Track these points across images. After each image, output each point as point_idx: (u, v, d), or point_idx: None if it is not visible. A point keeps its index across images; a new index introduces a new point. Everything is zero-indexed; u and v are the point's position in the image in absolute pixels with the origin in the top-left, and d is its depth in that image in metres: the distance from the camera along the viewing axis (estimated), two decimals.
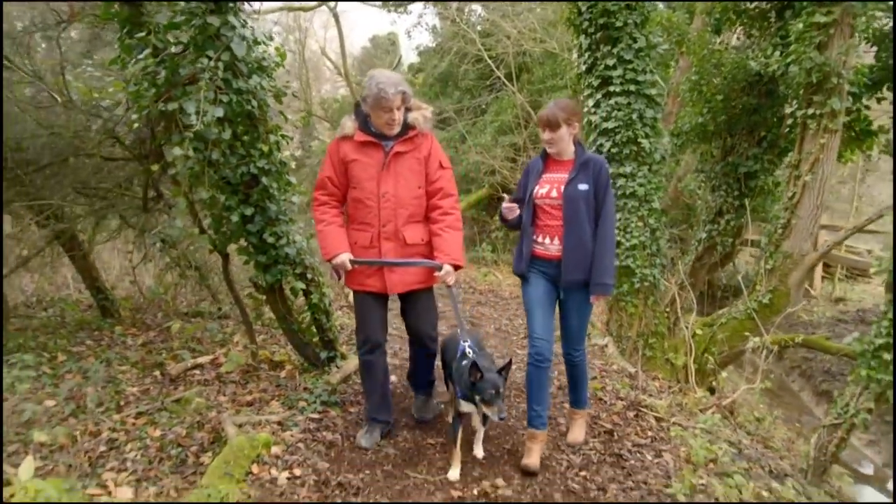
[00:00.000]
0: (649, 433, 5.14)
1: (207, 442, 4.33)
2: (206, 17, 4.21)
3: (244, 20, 4.52)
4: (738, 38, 9.53)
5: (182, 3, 4.28)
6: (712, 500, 4.09)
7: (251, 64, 4.55)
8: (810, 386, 11.36)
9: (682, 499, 4.01)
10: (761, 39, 8.19)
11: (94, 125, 5.08)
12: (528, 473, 4.20)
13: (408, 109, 4.16)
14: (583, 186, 4.11)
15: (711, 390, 6.80)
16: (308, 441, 4.42)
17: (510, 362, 3.99)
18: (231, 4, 4.38)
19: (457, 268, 4.19)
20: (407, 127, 4.14)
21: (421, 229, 4.25)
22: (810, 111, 6.67)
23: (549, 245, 4.25)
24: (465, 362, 4.03)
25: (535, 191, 4.28)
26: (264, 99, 4.72)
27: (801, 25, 6.55)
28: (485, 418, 4.16)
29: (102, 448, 4.17)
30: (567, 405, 5.00)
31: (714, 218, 9.23)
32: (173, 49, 4.29)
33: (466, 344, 4.17)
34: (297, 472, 4.00)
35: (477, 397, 3.88)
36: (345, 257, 4.13)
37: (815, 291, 14.86)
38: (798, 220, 6.91)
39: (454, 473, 4.06)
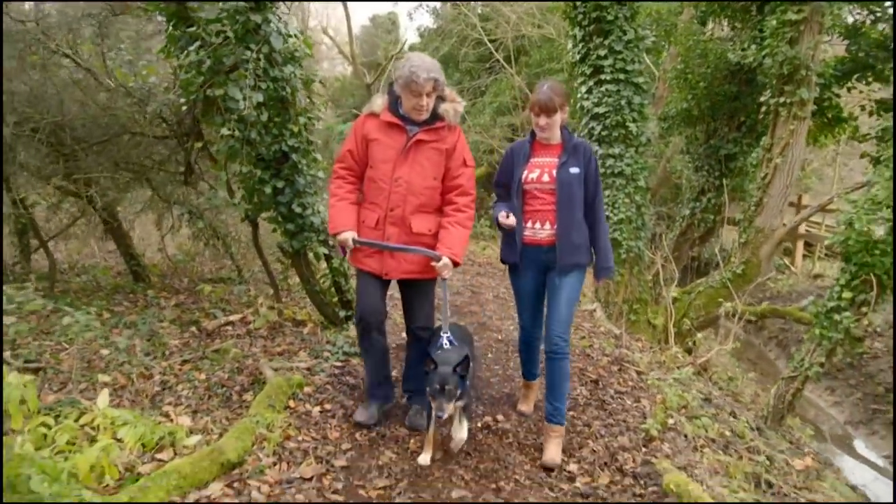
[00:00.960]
0: (630, 383, 5.81)
1: (248, 383, 4.99)
2: (249, 15, 4.81)
3: (279, 15, 5.12)
4: (722, 30, 10.12)
5: (227, 2, 4.88)
6: (683, 436, 4.78)
7: (285, 55, 5.15)
8: (785, 354, 12.05)
9: (654, 433, 4.69)
10: (742, 31, 8.79)
11: (148, 107, 5.67)
12: (548, 469, 4.14)
13: (441, 99, 4.04)
14: (574, 170, 4.08)
15: (689, 351, 7.47)
16: (334, 383, 5.07)
17: (467, 359, 3.76)
18: (269, 3, 4.98)
19: (455, 264, 4.03)
20: (435, 117, 4.01)
21: (430, 220, 4.11)
22: (782, 100, 7.30)
23: (540, 230, 4.17)
24: (443, 349, 3.95)
25: (524, 175, 4.17)
26: (295, 85, 5.32)
27: (774, 22, 7.18)
28: (465, 409, 4.00)
29: (157, 388, 4.82)
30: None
31: (697, 196, 9.88)
32: (217, 41, 4.90)
33: (445, 336, 4.03)
34: (328, 406, 4.66)
35: (427, 388, 3.77)
36: (348, 235, 4.04)
37: (796, 268, 15.53)
38: (769, 199, 7.57)
39: (424, 458, 3.97)
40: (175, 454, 3.78)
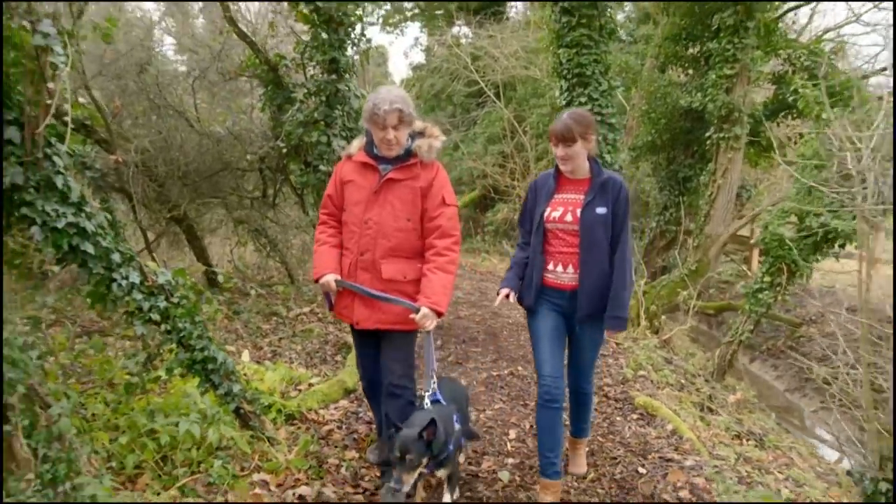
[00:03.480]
0: (611, 349, 7.61)
1: (336, 349, 6.76)
2: (336, 84, 6.62)
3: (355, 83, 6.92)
4: (678, 77, 12.10)
5: (318, 76, 6.70)
6: (650, 381, 6.57)
7: (359, 111, 6.96)
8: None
9: (629, 376, 6.49)
10: (693, 79, 10.76)
11: (249, 149, 7.47)
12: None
13: (421, 134, 3.69)
14: (601, 210, 3.60)
15: (656, 331, 9.29)
16: None
17: (433, 423, 3.25)
18: (347, 75, 6.78)
19: (439, 314, 3.55)
20: (409, 153, 3.63)
21: (404, 265, 3.63)
22: (721, 134, 9.24)
23: (562, 274, 3.72)
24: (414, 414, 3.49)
25: (546, 214, 3.73)
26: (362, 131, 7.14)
27: (714, 76, 9.13)
28: (449, 478, 3.62)
29: (269, 354, 6.57)
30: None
31: (661, 211, 11.79)
32: (311, 101, 6.71)
33: (427, 394, 3.63)
34: None
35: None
36: (330, 277, 3.66)
37: (752, 272, 17.47)
38: (715, 211, 9.50)
39: None
40: (309, 387, 5.52)
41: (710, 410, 6.45)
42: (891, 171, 2.64)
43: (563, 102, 9.63)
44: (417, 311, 3.49)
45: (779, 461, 5.28)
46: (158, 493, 3.36)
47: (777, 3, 9.95)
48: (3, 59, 2.84)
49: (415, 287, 3.62)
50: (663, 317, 9.15)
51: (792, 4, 10.65)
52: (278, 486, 3.80)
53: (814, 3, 10.60)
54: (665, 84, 11.04)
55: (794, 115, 10.20)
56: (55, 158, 3.18)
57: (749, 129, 9.51)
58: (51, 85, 2.97)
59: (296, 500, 3.65)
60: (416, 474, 3.25)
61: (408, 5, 24.78)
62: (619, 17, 18.43)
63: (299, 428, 4.61)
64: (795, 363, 11.32)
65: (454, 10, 21.79)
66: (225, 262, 10.57)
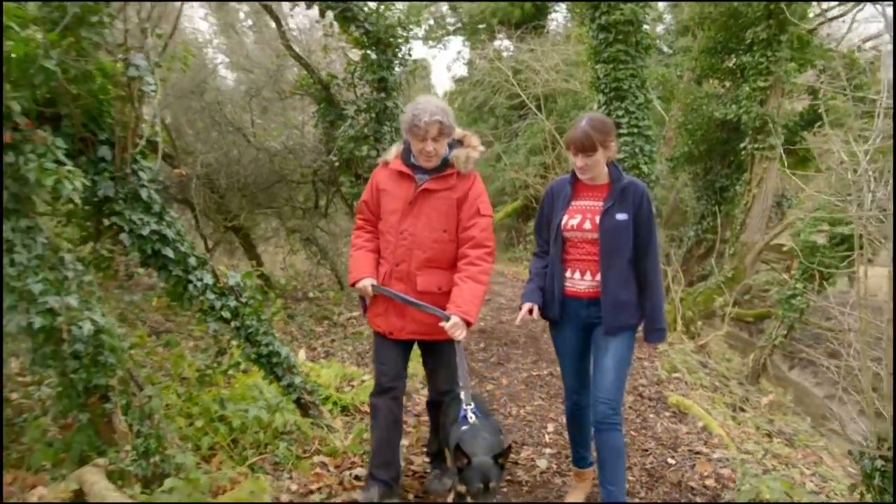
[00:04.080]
0: (647, 353, 7.84)
1: None
2: (384, 102, 7.03)
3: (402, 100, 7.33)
4: (714, 88, 12.29)
5: (368, 94, 7.12)
6: (684, 382, 6.81)
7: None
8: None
9: (663, 377, 6.75)
10: (730, 91, 10.96)
11: (303, 161, 7.95)
12: None
13: (459, 143, 3.63)
14: (621, 216, 3.40)
15: (692, 336, 9.49)
16: None
17: (509, 448, 3.21)
18: (395, 93, 7.19)
19: (468, 324, 3.46)
20: (446, 163, 3.55)
21: (439, 276, 3.58)
22: (756, 145, 9.44)
23: (580, 281, 3.53)
24: (462, 431, 3.28)
25: (563, 221, 3.53)
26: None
27: (748, 88, 9.34)
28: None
29: (323, 354, 6.99)
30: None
31: (699, 220, 11.96)
32: (360, 118, 7.14)
33: (469, 408, 3.39)
34: None
35: (462, 487, 3.07)
36: (367, 282, 3.59)
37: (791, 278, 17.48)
38: (750, 220, 9.68)
39: None
40: (361, 383, 5.91)
41: (742, 411, 6.66)
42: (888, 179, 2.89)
43: None
44: (448, 319, 3.39)
45: (808, 459, 5.48)
46: (233, 468, 3.77)
47: (810, 15, 10.14)
48: (2, 59, 2.94)
49: (445, 298, 3.53)
50: (699, 322, 9.35)
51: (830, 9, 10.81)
52: (336, 467, 4.18)
53: (848, 13, 10.72)
54: (701, 96, 11.24)
55: (831, 125, 10.31)
56: (140, 173, 3.64)
57: (784, 139, 9.68)
58: (144, 109, 3.44)
59: (352, 480, 4.02)
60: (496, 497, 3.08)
61: (450, 20, 25.29)
62: (659, 29, 18.68)
63: (353, 418, 5.01)
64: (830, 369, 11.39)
65: (496, 24, 22.18)
66: (277, 269, 11.08)
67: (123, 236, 3.65)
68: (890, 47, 3.85)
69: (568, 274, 3.55)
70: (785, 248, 8.17)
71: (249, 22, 10.72)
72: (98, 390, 3.19)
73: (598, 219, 3.42)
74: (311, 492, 3.85)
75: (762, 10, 9.30)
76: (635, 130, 9.52)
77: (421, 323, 3.55)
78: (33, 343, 3.23)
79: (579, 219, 3.48)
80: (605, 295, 3.42)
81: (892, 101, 3.15)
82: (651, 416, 5.66)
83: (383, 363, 3.74)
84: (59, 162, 3.25)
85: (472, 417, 3.32)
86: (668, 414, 5.73)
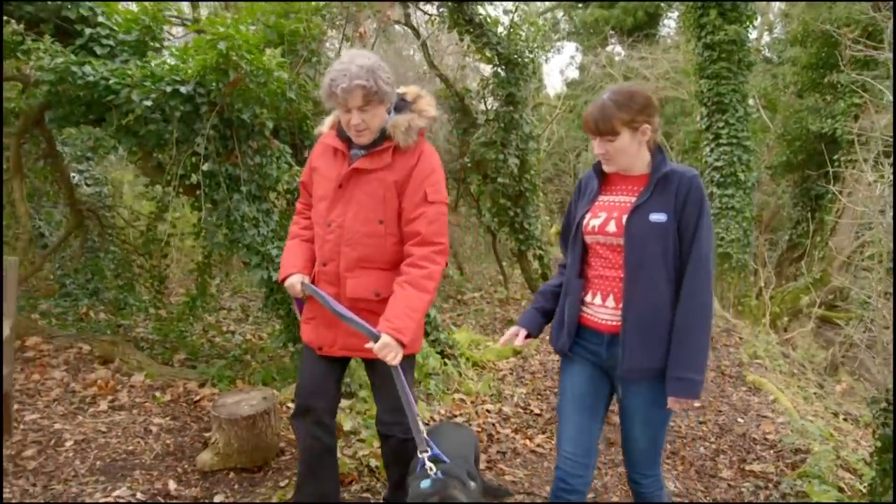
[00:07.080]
0: (734, 341, 8.66)
1: (504, 324, 8.30)
2: (511, 113, 8.15)
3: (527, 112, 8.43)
4: (816, 102, 12.76)
5: (498, 107, 8.26)
6: (763, 367, 7.62)
7: (528, 135, 8.46)
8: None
9: (744, 360, 7.58)
10: (829, 104, 11.46)
11: None
12: None
13: (406, 105, 2.75)
14: (657, 217, 2.42)
15: (778, 331, 10.17)
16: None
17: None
18: (521, 105, 8.29)
19: (402, 345, 2.57)
20: (385, 136, 2.68)
21: (377, 279, 2.74)
22: (849, 157, 9.98)
23: (599, 308, 2.57)
24: (422, 492, 2.42)
25: (584, 221, 2.61)
26: (532, 152, 8.62)
27: (843, 104, 9.91)
28: None
29: (452, 325, 8.21)
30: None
31: (794, 225, 12.49)
32: (491, 127, 8.29)
33: (425, 455, 2.55)
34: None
35: None
36: (296, 279, 2.83)
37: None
38: (840, 227, 10.23)
39: None
40: (486, 346, 7.06)
41: (815, 395, 7.42)
42: None
43: (703, 126, 10.71)
44: (376, 338, 2.56)
45: (868, 435, 6.24)
46: None
47: None
48: (2, 64, 2.88)
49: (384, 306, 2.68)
50: (786, 318, 10.04)
51: None
52: (471, 402, 5.36)
53: None
54: (801, 109, 11.77)
55: None
56: None
57: (879, 152, 10.17)
58: None
59: (485, 412, 5.20)
60: None
61: (564, 26, 26.04)
62: (766, 38, 18.94)
63: (483, 371, 6.19)
64: None
65: (608, 30, 22.89)
66: None
67: None
68: None
69: (588, 298, 2.61)
70: (867, 254, 8.74)
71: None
72: None
73: (624, 218, 2.47)
74: (455, 416, 5.06)
75: (859, 32, 9.84)
76: (734, 141, 10.26)
77: (356, 336, 2.68)
78: (266, 292, 4.59)
79: (603, 218, 2.55)
80: (627, 322, 2.46)
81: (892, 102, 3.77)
82: (729, 388, 6.56)
83: (303, 377, 2.99)
84: (288, 164, 4.64)
85: (431, 469, 2.49)
86: (744, 388, 6.60)
